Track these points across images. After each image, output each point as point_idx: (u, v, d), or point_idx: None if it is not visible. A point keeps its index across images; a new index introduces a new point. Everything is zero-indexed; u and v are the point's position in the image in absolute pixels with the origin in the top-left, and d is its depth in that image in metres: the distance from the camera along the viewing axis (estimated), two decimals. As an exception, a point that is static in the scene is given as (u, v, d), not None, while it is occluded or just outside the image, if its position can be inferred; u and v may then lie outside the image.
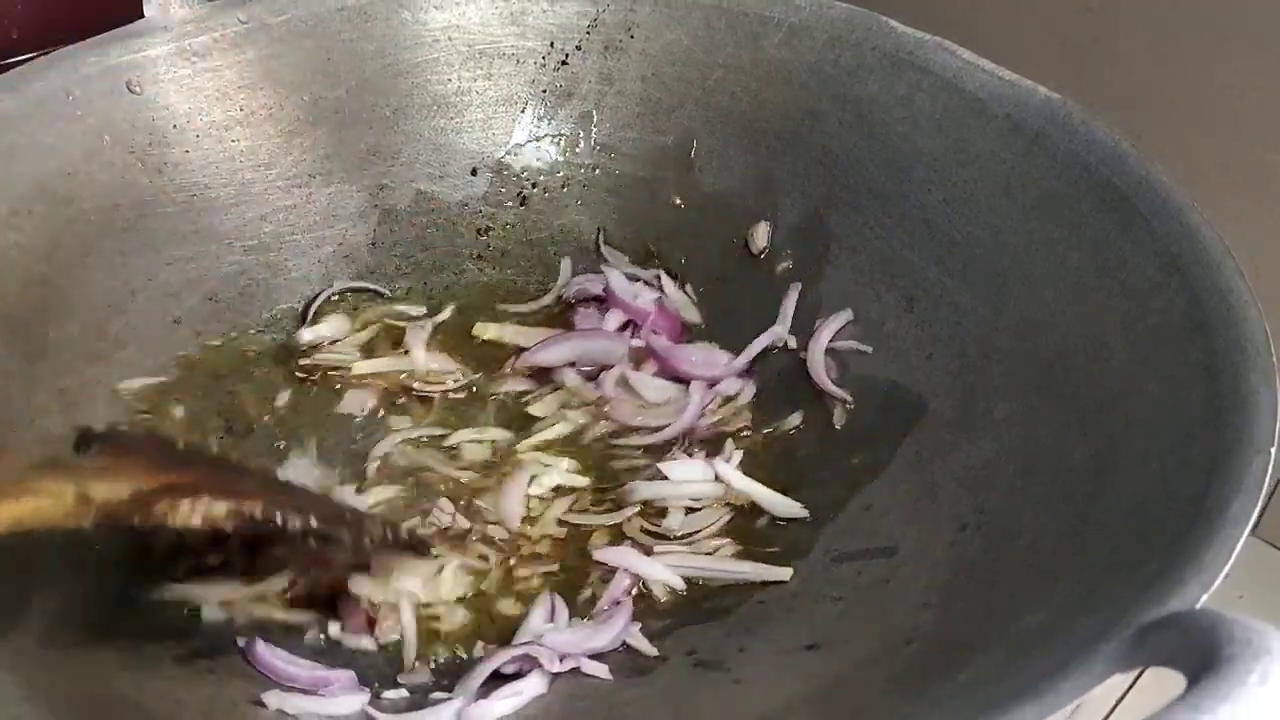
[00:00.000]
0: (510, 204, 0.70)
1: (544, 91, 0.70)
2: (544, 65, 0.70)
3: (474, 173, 0.70)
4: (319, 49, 0.66)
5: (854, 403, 0.61)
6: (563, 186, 0.71)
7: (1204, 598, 0.36)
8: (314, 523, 0.46)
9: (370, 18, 0.67)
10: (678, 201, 0.69)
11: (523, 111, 0.70)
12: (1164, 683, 0.32)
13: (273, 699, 0.47)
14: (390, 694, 0.49)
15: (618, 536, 0.57)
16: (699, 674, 0.49)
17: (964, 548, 0.49)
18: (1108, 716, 0.61)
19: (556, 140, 0.70)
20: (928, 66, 0.61)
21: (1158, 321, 0.49)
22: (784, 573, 0.54)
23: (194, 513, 0.43)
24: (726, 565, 0.55)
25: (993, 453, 0.53)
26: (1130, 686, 0.61)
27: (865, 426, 0.59)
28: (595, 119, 0.70)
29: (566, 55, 0.70)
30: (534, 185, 0.71)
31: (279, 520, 0.45)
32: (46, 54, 0.60)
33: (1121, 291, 0.51)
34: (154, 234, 0.61)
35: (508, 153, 0.70)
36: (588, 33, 0.69)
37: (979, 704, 0.37)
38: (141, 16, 0.62)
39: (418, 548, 0.52)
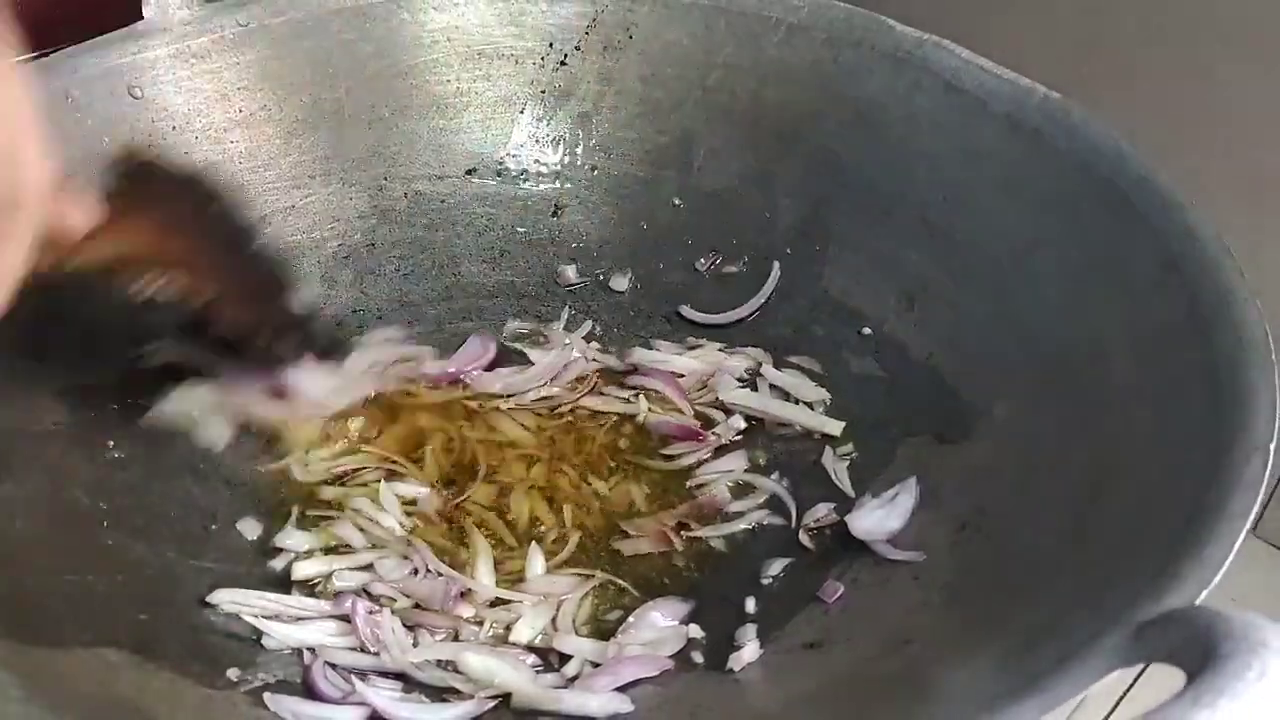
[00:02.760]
0: (509, 204, 0.70)
1: (543, 92, 0.70)
2: (543, 66, 0.70)
3: (473, 173, 0.70)
4: (318, 50, 0.66)
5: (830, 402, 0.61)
6: (562, 187, 0.71)
7: (1203, 594, 0.36)
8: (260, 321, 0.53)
9: (369, 19, 0.67)
10: (677, 202, 0.69)
11: (522, 112, 0.70)
12: (1169, 680, 0.32)
13: (273, 702, 0.47)
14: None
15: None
16: (699, 672, 0.49)
17: (964, 547, 0.50)
18: (1110, 713, 0.61)
19: (556, 141, 0.70)
20: (927, 66, 0.61)
21: (1158, 321, 0.49)
22: (835, 425, 0.59)
23: (149, 287, 0.49)
24: (783, 409, 0.60)
25: (992, 452, 0.53)
26: (1133, 683, 0.61)
27: (865, 426, 0.59)
28: (594, 119, 0.70)
29: (565, 56, 0.70)
30: (533, 185, 0.71)
31: (221, 313, 0.51)
32: (46, 55, 0.60)
33: (1121, 291, 0.51)
34: (153, 235, 0.61)
35: (507, 154, 0.70)
36: (586, 33, 0.69)
37: (980, 701, 0.37)
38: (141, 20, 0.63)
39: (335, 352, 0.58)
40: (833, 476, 0.57)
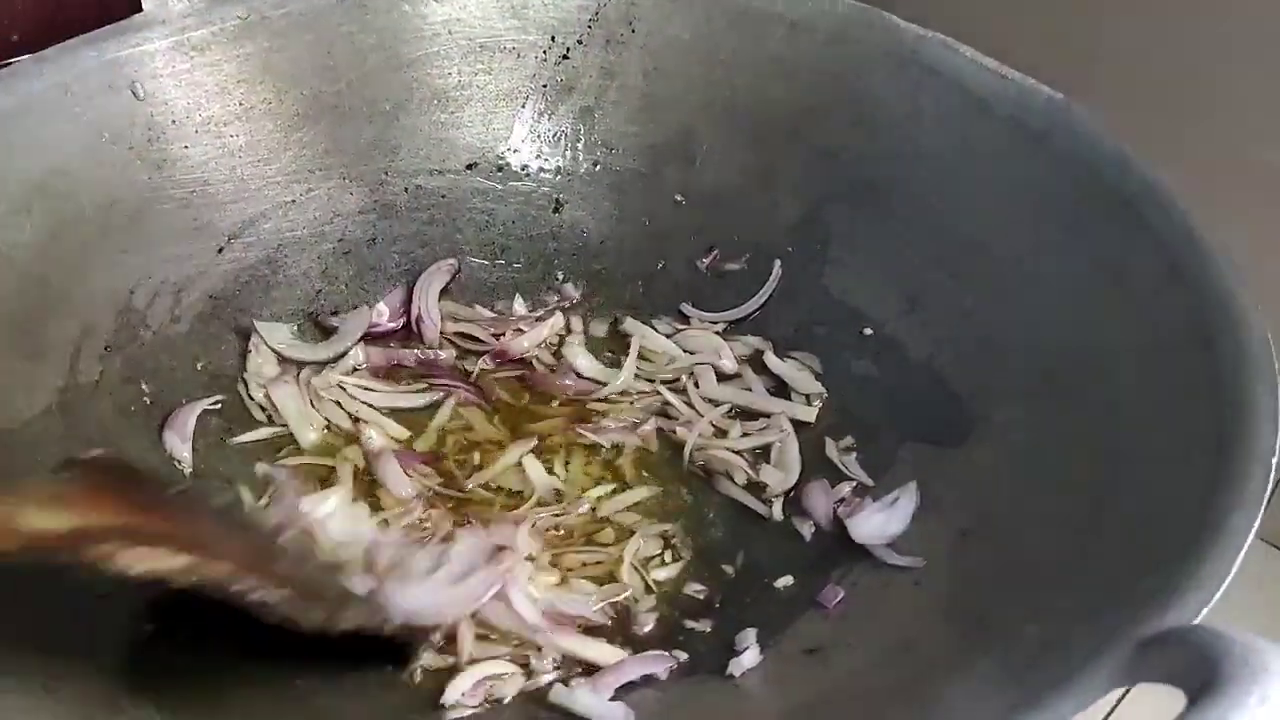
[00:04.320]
0: (510, 200, 0.70)
1: (545, 86, 0.70)
2: (545, 59, 0.69)
3: (474, 168, 0.70)
4: (319, 43, 0.66)
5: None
6: (563, 183, 0.70)
7: (1204, 612, 0.36)
8: (282, 601, 0.41)
9: (370, 11, 0.67)
10: (679, 198, 0.69)
11: (523, 106, 0.70)
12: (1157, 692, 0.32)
13: None
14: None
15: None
16: (700, 677, 0.49)
17: (964, 553, 0.50)
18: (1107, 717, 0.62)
19: (557, 135, 0.70)
20: (931, 64, 0.61)
21: (1159, 326, 0.49)
22: (809, 413, 0.61)
23: (139, 562, 0.37)
24: (759, 400, 0.62)
25: (992, 458, 0.53)
26: (1120, 699, 0.61)
27: (864, 428, 0.59)
28: (596, 114, 0.70)
29: (568, 49, 0.69)
30: (534, 181, 0.70)
31: (242, 591, 0.40)
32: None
33: (1123, 296, 0.51)
34: (153, 231, 0.61)
35: (508, 148, 0.70)
36: (589, 27, 0.69)
37: (979, 714, 0.37)
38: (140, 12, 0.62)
39: (401, 647, 0.49)
40: (841, 468, 0.58)
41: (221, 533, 0.43)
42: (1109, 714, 0.61)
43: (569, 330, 0.68)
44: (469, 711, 0.48)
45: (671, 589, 0.54)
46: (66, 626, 0.45)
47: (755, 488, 0.59)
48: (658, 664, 0.49)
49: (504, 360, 0.66)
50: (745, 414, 0.63)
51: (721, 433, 0.61)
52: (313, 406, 0.62)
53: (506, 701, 0.49)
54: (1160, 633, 0.34)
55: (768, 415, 0.62)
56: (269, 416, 0.62)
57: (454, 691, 0.48)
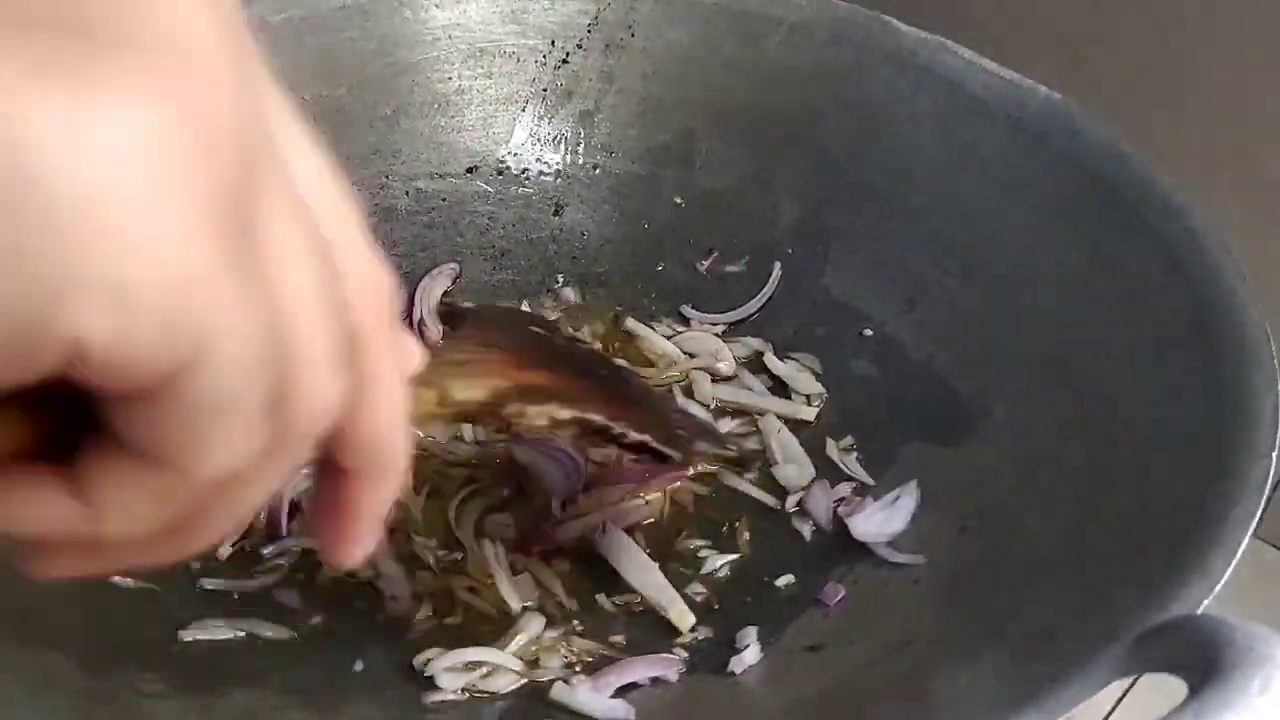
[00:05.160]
0: (511, 203, 0.70)
1: (545, 90, 0.70)
2: (545, 64, 0.70)
3: (474, 172, 0.70)
4: (320, 48, 0.66)
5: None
6: (564, 186, 0.70)
7: (1205, 602, 0.36)
8: (649, 438, 0.49)
9: (371, 16, 0.67)
10: (678, 201, 0.69)
11: (523, 110, 0.70)
12: (1162, 687, 0.32)
13: None
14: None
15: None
16: (700, 674, 0.49)
17: (964, 549, 0.50)
18: (1106, 718, 0.61)
19: (557, 139, 0.70)
20: (929, 66, 0.61)
21: (1159, 323, 0.49)
22: (810, 412, 0.61)
23: (540, 416, 0.45)
24: (758, 399, 0.62)
25: (993, 454, 0.53)
26: (1127, 690, 0.61)
27: (864, 428, 0.59)
28: (596, 118, 0.70)
29: (567, 54, 0.69)
30: (534, 184, 0.70)
31: (617, 430, 0.47)
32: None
33: (1122, 293, 0.51)
34: (155, 234, 0.61)
35: (508, 152, 0.70)
36: (589, 31, 0.69)
37: (980, 708, 0.37)
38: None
39: (745, 463, 0.57)
40: (843, 467, 0.58)
41: (589, 383, 0.51)
42: (1109, 713, 0.61)
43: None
44: (450, 696, 0.48)
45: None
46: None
47: (763, 481, 0.59)
48: (665, 666, 0.49)
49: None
50: (738, 414, 0.63)
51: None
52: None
53: (498, 694, 0.48)
54: (1161, 623, 0.34)
55: (760, 414, 0.62)
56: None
57: (434, 667, 0.48)
